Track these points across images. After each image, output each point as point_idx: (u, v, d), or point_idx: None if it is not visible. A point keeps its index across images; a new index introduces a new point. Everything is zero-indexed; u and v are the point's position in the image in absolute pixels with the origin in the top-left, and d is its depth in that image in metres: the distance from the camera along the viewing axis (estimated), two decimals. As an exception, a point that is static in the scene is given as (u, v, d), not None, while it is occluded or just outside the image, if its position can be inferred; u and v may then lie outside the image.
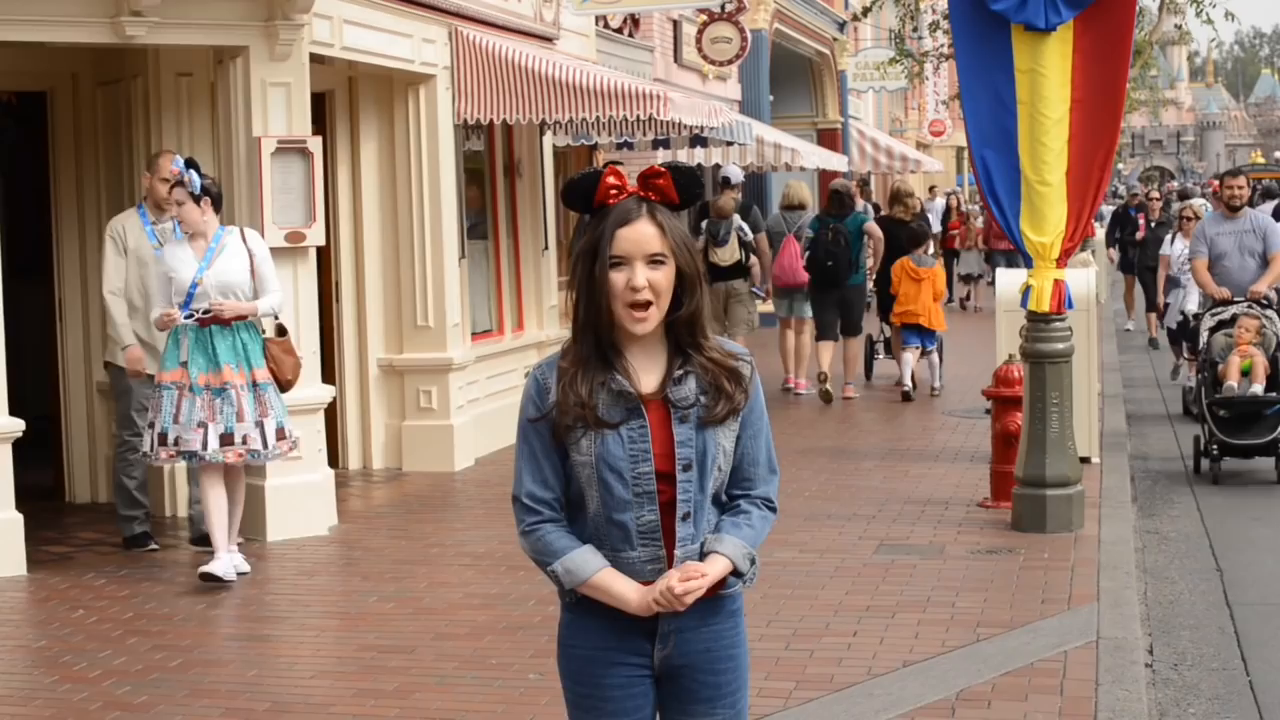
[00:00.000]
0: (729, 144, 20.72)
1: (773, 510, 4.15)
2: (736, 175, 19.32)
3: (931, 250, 19.99)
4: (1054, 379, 10.80)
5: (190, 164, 9.88)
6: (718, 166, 21.26)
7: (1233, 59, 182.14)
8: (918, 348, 18.24)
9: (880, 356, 20.11)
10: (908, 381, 17.95)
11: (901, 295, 18.31)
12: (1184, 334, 17.72)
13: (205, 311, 9.81)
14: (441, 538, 11.04)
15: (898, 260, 18.55)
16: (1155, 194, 30.12)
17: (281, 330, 10.42)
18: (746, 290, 18.15)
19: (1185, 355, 17.40)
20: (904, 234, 18.87)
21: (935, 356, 18.45)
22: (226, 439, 9.72)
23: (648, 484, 3.95)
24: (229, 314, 9.84)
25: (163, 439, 9.75)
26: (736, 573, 4.05)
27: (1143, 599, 9.51)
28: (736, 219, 18.04)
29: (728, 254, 17.76)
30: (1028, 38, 10.53)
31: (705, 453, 3.98)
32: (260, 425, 9.84)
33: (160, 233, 10.72)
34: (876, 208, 28.68)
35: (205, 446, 9.68)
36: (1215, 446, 13.50)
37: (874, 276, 19.16)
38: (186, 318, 9.80)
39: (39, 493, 12.59)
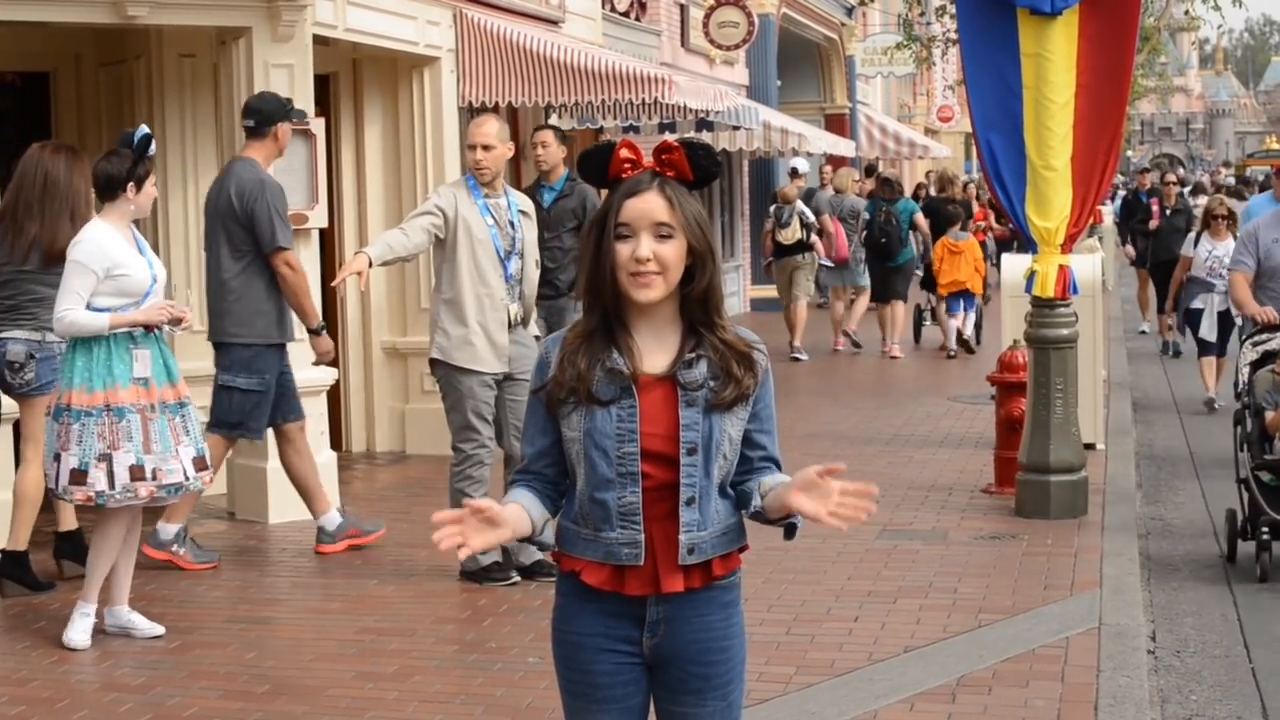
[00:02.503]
0: (735, 129, 20.75)
1: None
2: (803, 166, 23.36)
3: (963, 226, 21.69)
4: (1058, 364, 10.77)
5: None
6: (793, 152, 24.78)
7: (1242, 46, 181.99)
8: (959, 314, 20.93)
9: (928, 324, 22.58)
10: (953, 345, 20.86)
11: (945, 268, 20.61)
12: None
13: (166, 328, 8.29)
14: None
15: (942, 238, 21.00)
16: (1171, 177, 25.47)
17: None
18: (808, 264, 21.21)
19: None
20: (953, 211, 21.52)
21: (973, 314, 21.18)
22: (200, 462, 8.25)
23: (631, 465, 3.89)
24: (186, 325, 8.38)
25: (138, 472, 7.97)
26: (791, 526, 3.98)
27: (1145, 586, 9.48)
28: (799, 204, 21.09)
29: (790, 234, 20.78)
30: (1033, 22, 10.48)
31: (711, 438, 3.92)
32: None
33: (494, 207, 9.37)
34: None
35: (186, 475, 8.14)
36: (1265, 527, 9.69)
37: (921, 252, 22.87)
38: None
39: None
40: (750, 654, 4.24)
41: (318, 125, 11.42)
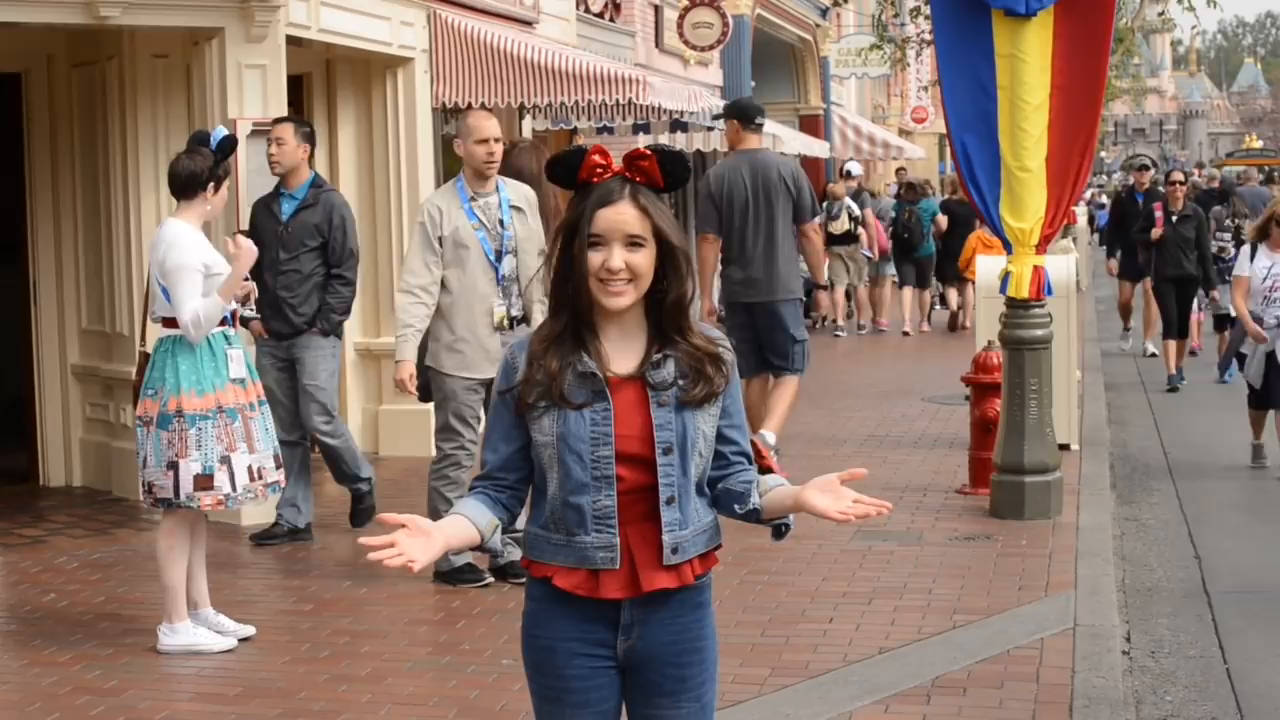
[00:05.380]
0: (709, 129, 20.73)
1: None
2: (857, 169, 27.50)
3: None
4: (1033, 365, 10.77)
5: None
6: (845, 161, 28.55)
7: (1215, 48, 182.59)
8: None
9: (939, 308, 26.55)
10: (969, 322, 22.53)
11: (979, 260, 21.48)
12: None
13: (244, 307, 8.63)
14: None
15: (972, 233, 22.01)
16: (1178, 175, 20.25)
17: None
18: (854, 252, 24.80)
19: None
20: (967, 211, 22.08)
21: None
22: (278, 460, 8.29)
23: (607, 468, 3.88)
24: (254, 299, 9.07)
25: (257, 473, 8.05)
26: (783, 527, 4.09)
27: (1120, 586, 9.48)
28: (847, 200, 24.74)
29: (839, 226, 24.12)
30: (1008, 23, 10.48)
31: (685, 436, 3.92)
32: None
33: (481, 209, 9.23)
34: (873, 194, 29.50)
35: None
36: None
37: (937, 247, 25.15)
38: (221, 320, 8.08)
39: (11, 476, 12.53)
40: (724, 656, 4.23)
41: (291, 126, 11.36)
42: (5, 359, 13.00)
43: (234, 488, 7.93)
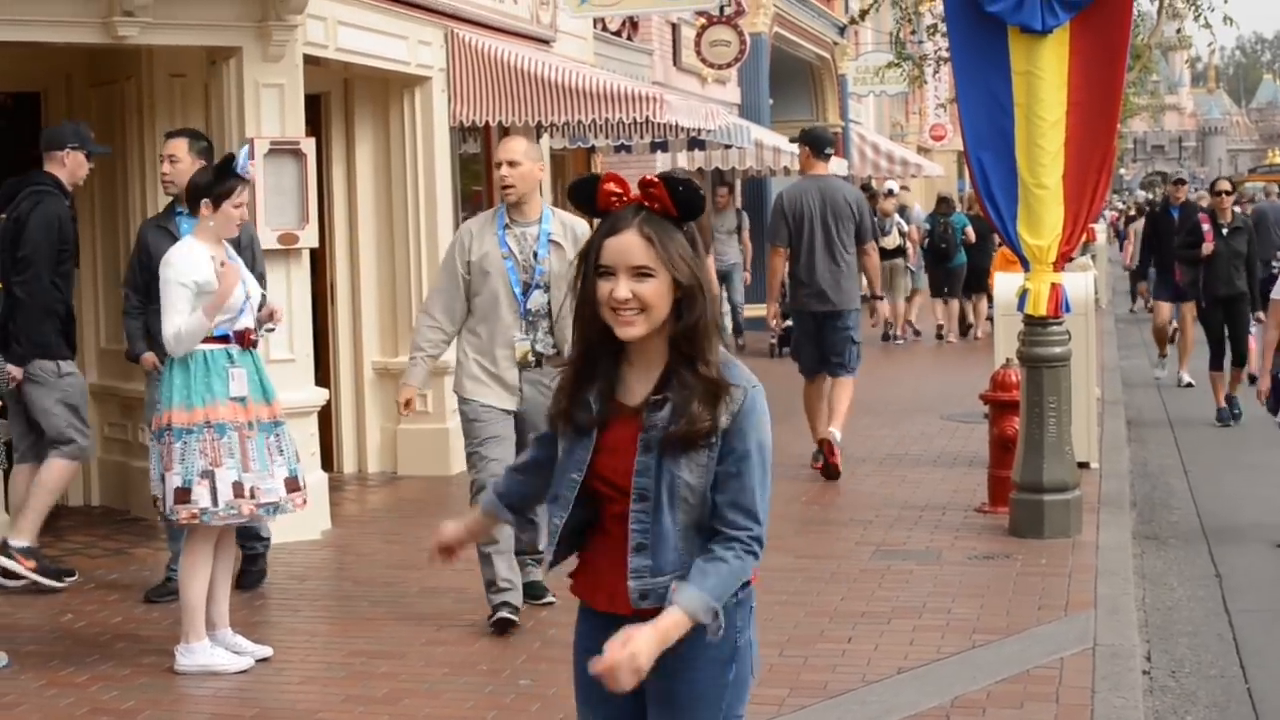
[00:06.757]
0: (727, 147, 20.74)
1: (753, 551, 3.93)
2: (896, 188, 28.67)
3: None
4: (1051, 383, 10.73)
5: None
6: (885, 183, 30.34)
7: (1234, 64, 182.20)
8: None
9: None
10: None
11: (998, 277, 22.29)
12: None
13: (260, 328, 8.34)
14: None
15: (1000, 248, 22.26)
16: (1224, 185, 18.20)
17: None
18: (904, 266, 26.39)
19: None
20: (983, 227, 24.05)
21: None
22: (292, 484, 8.14)
23: (569, 490, 4.00)
24: (278, 321, 8.63)
25: (239, 490, 7.89)
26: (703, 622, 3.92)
27: (1140, 605, 9.44)
28: (896, 216, 26.42)
29: (890, 241, 25.50)
30: (1024, 40, 10.47)
31: (661, 484, 3.89)
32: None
33: (516, 237, 8.73)
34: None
35: (281, 495, 8.10)
36: None
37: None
38: (221, 338, 8.01)
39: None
40: (728, 688, 4.16)
41: (309, 145, 11.38)
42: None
43: (214, 503, 7.84)
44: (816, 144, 14.00)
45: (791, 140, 18.82)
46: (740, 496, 3.91)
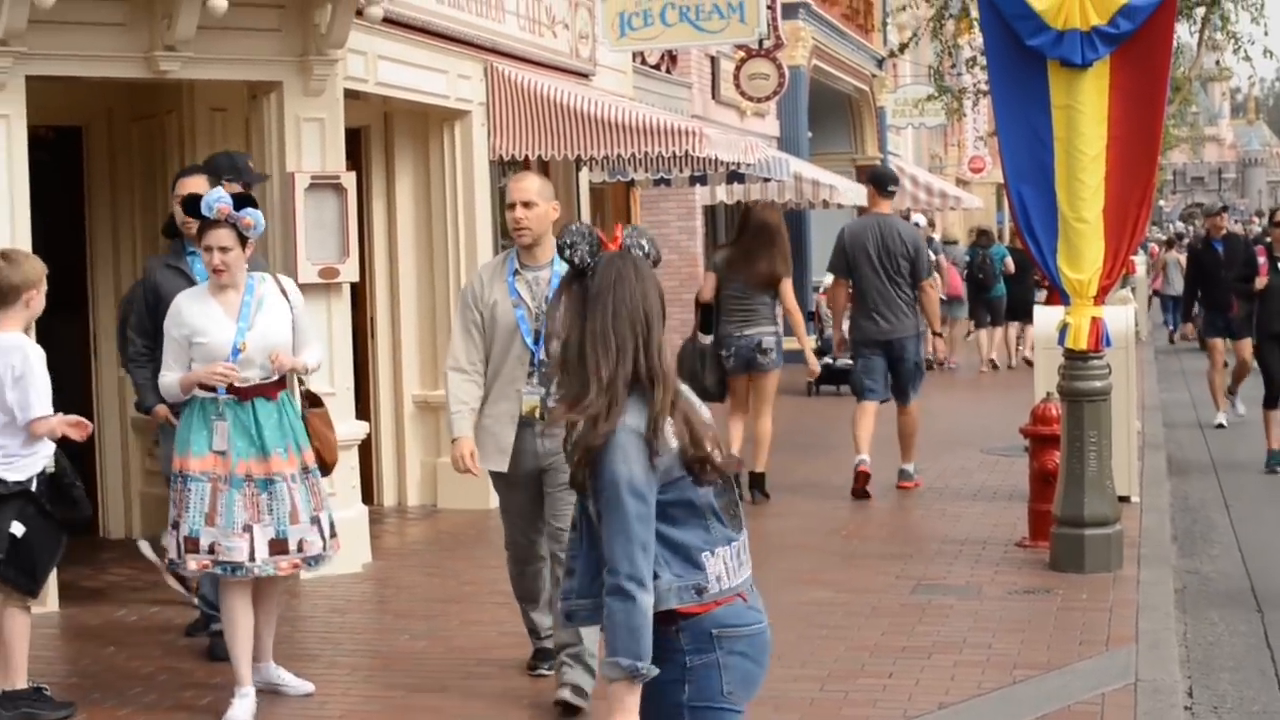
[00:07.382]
0: (766, 180, 20.75)
1: (623, 595, 3.96)
2: (923, 221, 29.09)
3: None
4: (1092, 417, 10.70)
5: (241, 199, 8.02)
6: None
7: (1274, 95, 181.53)
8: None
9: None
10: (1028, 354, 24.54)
11: (1037, 311, 23.11)
12: None
13: (254, 379, 7.86)
14: (475, 575, 10.95)
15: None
16: None
17: (316, 400, 8.42)
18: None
19: None
20: (1021, 259, 25.44)
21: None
22: (278, 545, 7.75)
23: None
24: (285, 370, 7.96)
25: (192, 544, 7.69)
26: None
27: (1182, 640, 9.39)
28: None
29: None
30: (1064, 74, 10.46)
31: (584, 514, 4.19)
32: (317, 522, 7.93)
33: (528, 282, 8.04)
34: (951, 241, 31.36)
35: (253, 556, 7.69)
36: None
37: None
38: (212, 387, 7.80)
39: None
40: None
41: (349, 179, 11.42)
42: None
43: (179, 553, 7.76)
44: (879, 182, 14.77)
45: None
46: (608, 542, 4.05)
